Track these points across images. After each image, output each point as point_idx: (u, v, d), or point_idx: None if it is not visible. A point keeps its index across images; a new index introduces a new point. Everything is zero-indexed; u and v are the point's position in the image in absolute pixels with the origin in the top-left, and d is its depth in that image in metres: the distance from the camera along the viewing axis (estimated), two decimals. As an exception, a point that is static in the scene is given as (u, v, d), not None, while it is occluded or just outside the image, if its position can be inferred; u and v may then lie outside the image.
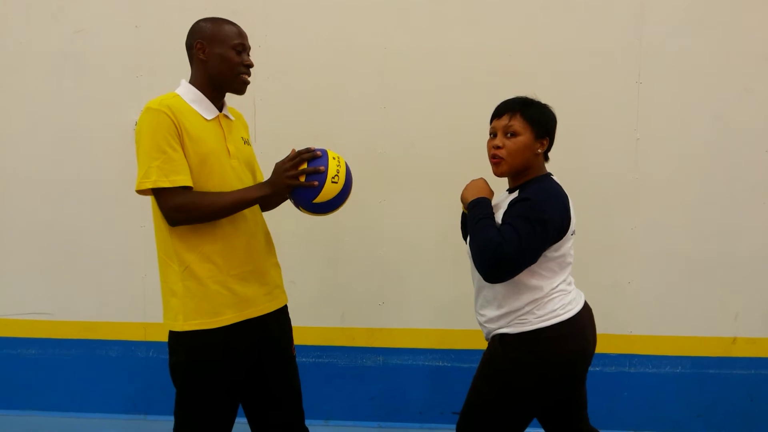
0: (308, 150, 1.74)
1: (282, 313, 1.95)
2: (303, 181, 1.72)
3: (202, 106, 1.80)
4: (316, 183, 1.72)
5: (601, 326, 2.79)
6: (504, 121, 1.79)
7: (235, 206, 1.74)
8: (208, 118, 1.80)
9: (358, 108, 2.82)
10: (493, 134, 1.82)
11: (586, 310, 1.86)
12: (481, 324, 1.87)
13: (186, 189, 1.69)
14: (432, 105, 2.78)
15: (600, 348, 2.80)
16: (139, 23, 2.84)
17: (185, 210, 1.68)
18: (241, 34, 1.84)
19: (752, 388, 2.83)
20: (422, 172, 2.80)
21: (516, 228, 1.64)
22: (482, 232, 1.68)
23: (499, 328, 1.79)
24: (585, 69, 2.75)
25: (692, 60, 2.73)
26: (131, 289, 2.92)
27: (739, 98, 2.73)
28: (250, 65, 1.85)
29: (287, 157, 1.75)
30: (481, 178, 1.90)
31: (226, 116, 1.88)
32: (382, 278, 2.86)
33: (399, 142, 2.82)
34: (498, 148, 1.78)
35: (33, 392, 2.99)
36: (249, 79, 1.85)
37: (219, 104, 1.86)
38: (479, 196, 1.80)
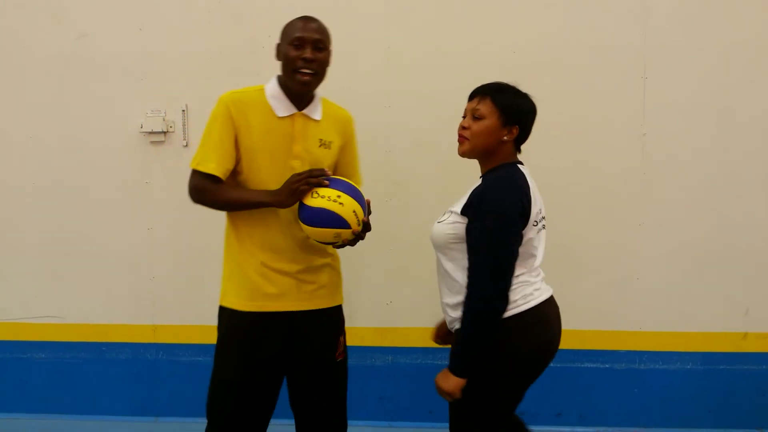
0: (321, 170, 1.75)
1: (323, 315, 1.94)
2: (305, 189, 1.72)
3: (277, 102, 1.85)
4: (326, 183, 1.72)
5: (610, 323, 2.82)
6: (473, 104, 1.82)
7: (240, 203, 1.83)
8: (279, 115, 1.84)
9: (363, 107, 2.78)
10: (464, 116, 1.85)
11: (550, 304, 1.83)
12: (444, 311, 1.87)
13: (211, 176, 1.81)
14: (436, 103, 2.77)
15: (609, 345, 2.83)
16: (142, 26, 2.84)
17: (198, 191, 1.85)
18: (304, 29, 1.83)
19: (763, 384, 2.81)
20: (428, 171, 2.79)
21: (477, 263, 1.67)
22: (472, 329, 1.69)
23: (459, 318, 1.76)
24: (590, 65, 2.73)
25: (697, 54, 2.71)
26: (140, 291, 2.93)
27: (745, 92, 2.72)
28: (306, 59, 1.80)
29: (300, 173, 1.76)
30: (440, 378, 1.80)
31: (306, 115, 1.87)
32: (389, 277, 2.85)
33: (404, 141, 2.82)
34: (464, 128, 1.81)
35: (43, 395, 3.00)
36: (307, 76, 1.80)
37: (300, 103, 1.87)
38: (452, 376, 1.74)
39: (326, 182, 1.73)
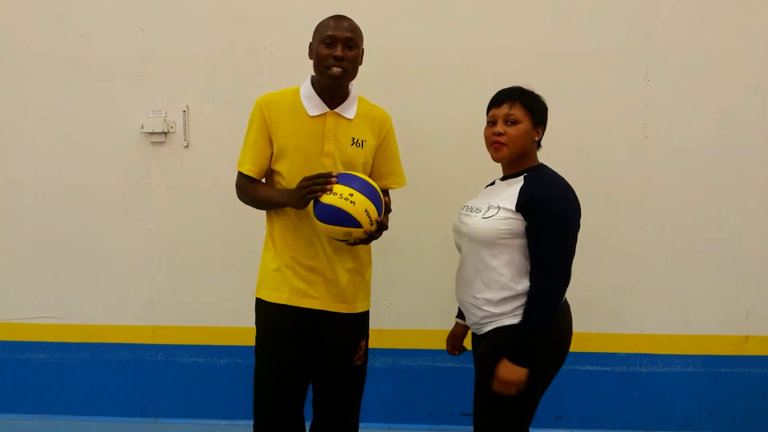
0: (327, 174, 1.74)
1: (347, 318, 1.98)
2: (316, 192, 1.73)
3: (310, 102, 1.88)
4: (329, 188, 1.72)
5: (611, 326, 2.81)
6: (504, 109, 1.84)
7: (267, 202, 1.92)
8: (311, 114, 1.87)
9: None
10: (493, 122, 1.86)
11: None
12: (476, 307, 1.85)
13: (249, 176, 1.92)
14: (437, 106, 2.77)
15: (610, 348, 2.82)
16: (143, 26, 2.84)
17: (238, 190, 1.98)
18: (336, 27, 1.85)
19: (764, 387, 2.81)
20: (428, 173, 2.78)
21: (551, 257, 1.73)
22: (544, 318, 1.73)
23: (502, 315, 1.79)
24: (592, 68, 2.73)
25: (699, 57, 2.71)
26: (139, 291, 2.92)
27: (747, 94, 2.71)
28: (337, 56, 1.83)
29: (309, 177, 1.78)
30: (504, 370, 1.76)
31: (338, 114, 1.89)
32: (389, 279, 2.84)
33: (405, 143, 2.79)
34: (499, 134, 1.82)
35: (42, 396, 2.99)
36: (339, 71, 1.83)
37: (332, 102, 1.89)
38: (517, 367, 1.73)
39: (329, 188, 1.72)
